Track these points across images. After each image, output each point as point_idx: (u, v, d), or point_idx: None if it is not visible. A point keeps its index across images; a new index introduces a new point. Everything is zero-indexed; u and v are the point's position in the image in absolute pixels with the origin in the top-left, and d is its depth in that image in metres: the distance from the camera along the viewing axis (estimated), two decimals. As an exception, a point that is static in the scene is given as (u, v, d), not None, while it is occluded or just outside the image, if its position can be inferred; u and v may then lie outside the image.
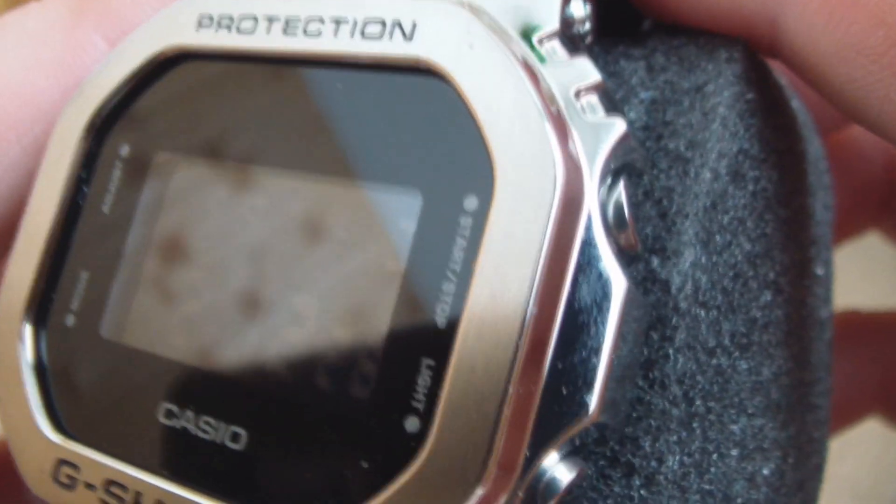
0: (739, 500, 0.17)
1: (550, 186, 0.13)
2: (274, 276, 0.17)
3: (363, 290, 0.15)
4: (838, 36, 0.17)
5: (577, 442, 0.14)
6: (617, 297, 0.14)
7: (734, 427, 0.16)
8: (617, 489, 0.15)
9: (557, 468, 0.13)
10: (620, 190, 0.14)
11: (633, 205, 0.16)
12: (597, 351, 0.13)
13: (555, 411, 0.13)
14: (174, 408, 0.16)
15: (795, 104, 0.21)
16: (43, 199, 0.18)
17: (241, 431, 0.15)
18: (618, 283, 0.14)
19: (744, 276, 0.17)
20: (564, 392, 0.13)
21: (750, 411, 0.17)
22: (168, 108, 0.19)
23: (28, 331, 0.17)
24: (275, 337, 0.16)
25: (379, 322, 0.14)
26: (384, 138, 0.15)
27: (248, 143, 0.18)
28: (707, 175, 0.16)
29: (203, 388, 0.16)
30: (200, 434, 0.15)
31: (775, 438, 0.18)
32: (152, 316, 0.17)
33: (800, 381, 0.20)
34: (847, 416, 0.31)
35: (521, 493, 0.13)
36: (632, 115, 0.17)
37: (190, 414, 0.15)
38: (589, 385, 0.13)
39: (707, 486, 0.16)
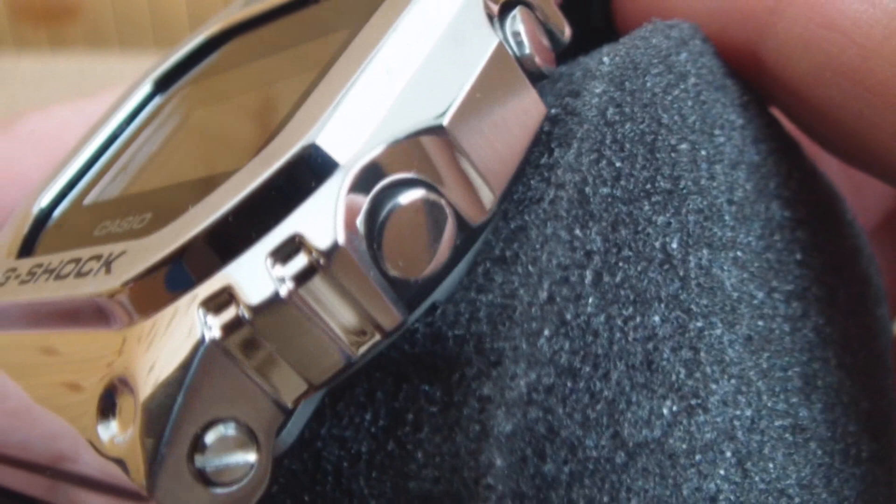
0: (667, 373, 0.15)
1: None
2: (209, 122, 0.19)
3: (283, 90, 0.17)
4: (816, 58, 0.18)
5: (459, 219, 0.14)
6: (487, 49, 0.15)
7: (657, 278, 0.16)
8: (498, 279, 0.15)
9: (405, 190, 0.14)
10: (516, 14, 0.16)
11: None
12: (461, 84, 0.15)
13: (407, 110, 0.14)
14: (107, 222, 0.17)
15: (816, 167, 0.21)
16: (90, 135, 0.21)
17: (147, 214, 0.16)
18: (494, 41, 0.15)
19: (665, 139, 0.17)
20: (416, 102, 0.14)
21: (688, 285, 0.16)
22: (204, 68, 0.22)
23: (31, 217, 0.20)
24: (191, 151, 0.18)
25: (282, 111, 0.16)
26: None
27: (245, 53, 0.21)
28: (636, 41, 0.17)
29: (130, 202, 0.17)
30: (119, 230, 0.16)
31: (744, 371, 0.17)
32: (114, 178, 0.20)
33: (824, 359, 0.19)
34: None
35: (356, 172, 0.13)
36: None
37: (117, 220, 0.17)
38: (445, 104, 0.14)
39: (617, 322, 0.15)
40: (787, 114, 0.20)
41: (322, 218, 0.13)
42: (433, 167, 0.14)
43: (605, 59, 0.17)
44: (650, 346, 0.15)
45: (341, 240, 0.13)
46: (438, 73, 0.14)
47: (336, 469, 0.15)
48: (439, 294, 0.15)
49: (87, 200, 0.20)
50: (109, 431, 0.13)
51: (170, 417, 0.13)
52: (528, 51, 0.16)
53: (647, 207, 0.16)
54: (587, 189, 0.15)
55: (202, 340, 0.13)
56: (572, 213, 0.15)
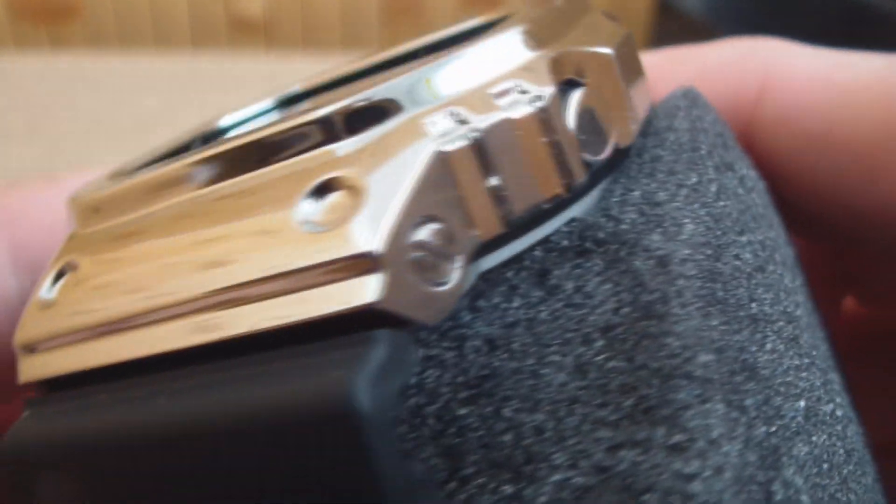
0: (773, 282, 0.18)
1: None
2: None
3: None
4: (791, 131, 0.22)
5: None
6: (625, 34, 0.18)
7: (741, 221, 0.18)
8: (636, 186, 0.18)
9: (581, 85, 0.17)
10: None
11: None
12: (612, 38, 0.18)
13: (587, 39, 0.17)
14: None
15: None
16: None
17: None
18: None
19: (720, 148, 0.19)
20: (593, 37, 0.18)
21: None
22: None
23: None
24: None
25: None
26: None
27: None
28: None
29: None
30: None
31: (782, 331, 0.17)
32: None
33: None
34: None
35: (553, 55, 0.16)
36: None
37: None
38: (608, 43, 0.17)
39: (731, 236, 0.17)
40: (772, 182, 0.23)
41: (537, 77, 0.16)
42: (599, 80, 0.17)
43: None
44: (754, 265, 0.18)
45: (551, 89, 0.16)
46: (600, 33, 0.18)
47: (488, 341, 0.16)
48: (578, 212, 0.17)
49: None
50: (317, 209, 0.14)
51: (400, 200, 0.14)
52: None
53: (730, 174, 0.19)
54: (698, 136, 0.19)
55: (431, 148, 0.14)
56: (686, 152, 0.18)
